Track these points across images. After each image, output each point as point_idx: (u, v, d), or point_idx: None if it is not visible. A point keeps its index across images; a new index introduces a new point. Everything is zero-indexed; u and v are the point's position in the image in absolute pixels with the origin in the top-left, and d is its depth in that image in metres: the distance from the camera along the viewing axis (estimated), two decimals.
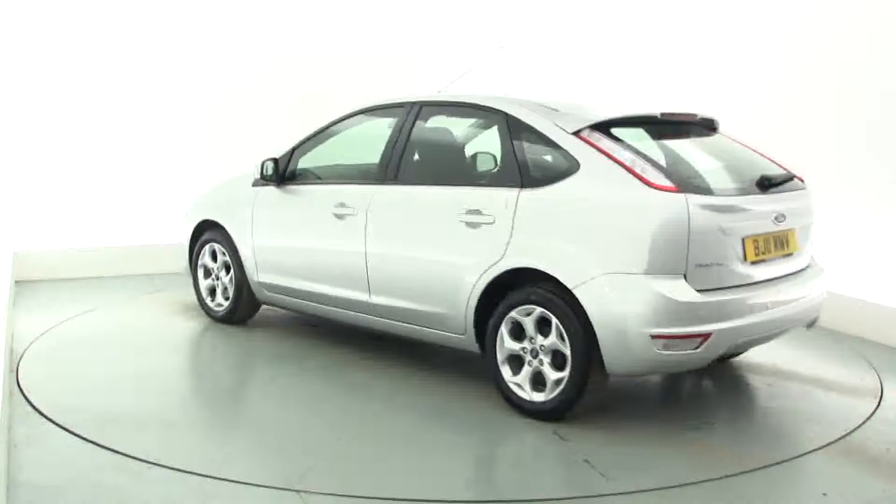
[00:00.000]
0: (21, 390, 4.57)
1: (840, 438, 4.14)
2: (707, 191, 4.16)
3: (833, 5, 6.54)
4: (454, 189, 4.67)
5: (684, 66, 8.02)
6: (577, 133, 4.28)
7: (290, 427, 4.24)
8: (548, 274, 4.17)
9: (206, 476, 3.57)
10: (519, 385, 4.33)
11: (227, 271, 5.99)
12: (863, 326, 6.02)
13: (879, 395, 4.80)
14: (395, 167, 4.96)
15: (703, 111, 4.86)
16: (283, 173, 5.55)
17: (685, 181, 4.15)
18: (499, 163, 4.54)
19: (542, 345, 4.23)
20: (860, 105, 6.28)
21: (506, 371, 4.38)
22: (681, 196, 3.98)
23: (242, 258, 5.83)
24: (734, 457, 3.89)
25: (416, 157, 5.05)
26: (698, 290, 3.98)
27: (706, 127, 4.93)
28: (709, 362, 4.13)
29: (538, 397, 4.25)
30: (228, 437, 4.07)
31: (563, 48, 9.11)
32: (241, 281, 5.88)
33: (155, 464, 3.68)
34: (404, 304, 4.84)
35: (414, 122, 5.01)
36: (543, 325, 4.22)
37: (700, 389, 5.00)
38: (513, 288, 4.33)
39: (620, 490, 3.54)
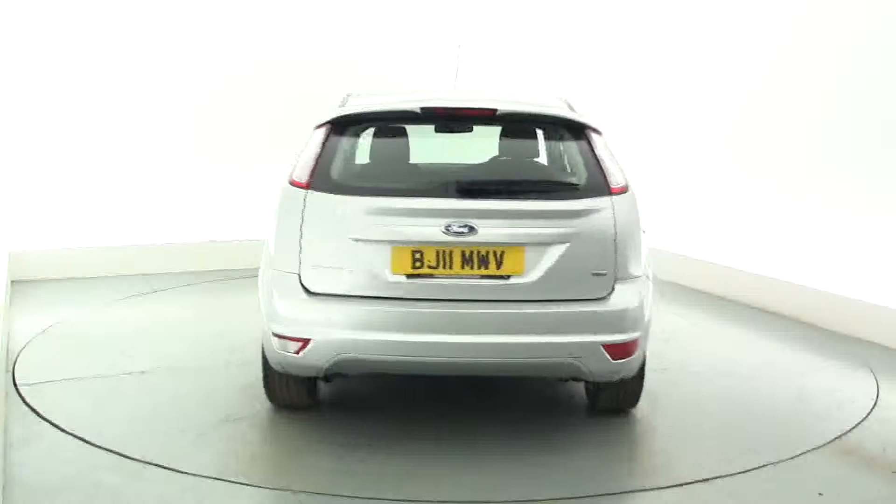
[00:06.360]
0: (17, 390, 4.56)
1: (836, 438, 4.15)
2: (337, 188, 3.89)
3: (833, 4, 6.56)
4: None
5: (682, 65, 8.04)
6: (317, 128, 4.15)
7: (289, 426, 4.23)
8: None
9: (202, 476, 3.57)
10: None
11: None
12: (858, 326, 6.02)
13: (875, 395, 4.81)
14: None
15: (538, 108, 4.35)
16: None
17: (322, 178, 3.91)
18: None
19: None
20: (853, 105, 6.30)
21: None
22: (300, 192, 3.87)
23: None
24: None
25: None
26: (315, 294, 3.79)
27: (565, 127, 4.29)
28: (322, 373, 3.89)
29: None
30: (226, 438, 4.07)
31: (530, 45, 9.13)
32: None
33: (151, 464, 3.68)
34: None
35: None
36: None
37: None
38: None
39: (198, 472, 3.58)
